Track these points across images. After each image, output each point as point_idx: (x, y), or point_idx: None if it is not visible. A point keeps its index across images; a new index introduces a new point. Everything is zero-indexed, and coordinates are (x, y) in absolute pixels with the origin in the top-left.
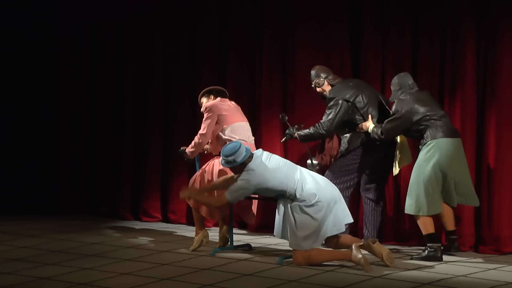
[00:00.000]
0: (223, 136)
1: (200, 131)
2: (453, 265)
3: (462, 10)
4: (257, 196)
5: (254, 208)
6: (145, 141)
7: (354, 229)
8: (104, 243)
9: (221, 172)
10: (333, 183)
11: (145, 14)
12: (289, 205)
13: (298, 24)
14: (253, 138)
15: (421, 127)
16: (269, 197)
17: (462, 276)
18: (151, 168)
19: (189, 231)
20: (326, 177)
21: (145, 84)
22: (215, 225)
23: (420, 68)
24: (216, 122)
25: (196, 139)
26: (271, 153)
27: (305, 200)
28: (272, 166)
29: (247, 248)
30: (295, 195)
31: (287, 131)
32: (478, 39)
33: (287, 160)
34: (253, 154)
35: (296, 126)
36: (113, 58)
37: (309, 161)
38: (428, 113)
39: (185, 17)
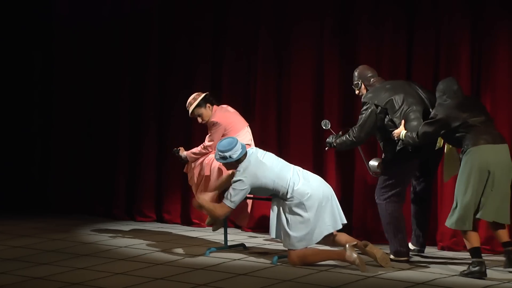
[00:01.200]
0: None
1: (207, 143)
2: (447, 265)
3: (456, 8)
4: (252, 196)
5: (249, 209)
6: (140, 141)
7: (348, 229)
8: (98, 243)
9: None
10: (380, 202)
11: (141, 14)
12: (281, 205)
13: (294, 23)
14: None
15: (460, 133)
16: (262, 197)
17: (456, 275)
18: (146, 168)
19: (183, 231)
20: (376, 193)
21: (141, 84)
22: (211, 225)
23: (415, 69)
24: (224, 134)
25: (200, 148)
26: (265, 151)
27: (296, 200)
28: (266, 164)
29: (241, 247)
30: (287, 194)
31: (327, 139)
32: (472, 39)
33: (281, 159)
34: (247, 151)
35: (340, 133)
36: (110, 58)
37: (372, 162)
38: (468, 119)
39: (181, 16)
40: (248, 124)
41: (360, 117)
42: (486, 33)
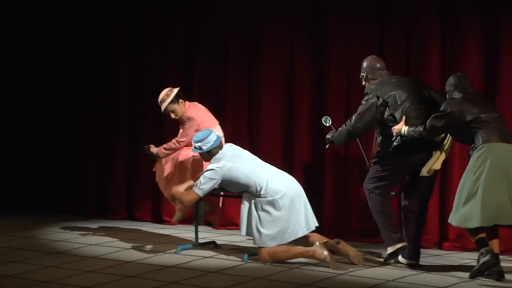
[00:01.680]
0: None
1: (180, 138)
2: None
3: (427, 3)
4: (222, 193)
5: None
6: (111, 139)
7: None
8: (68, 241)
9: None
10: (369, 193)
11: (113, 13)
12: (253, 202)
13: (264, 23)
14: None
15: (472, 129)
16: (234, 194)
17: (427, 272)
18: (117, 166)
19: (154, 229)
20: (364, 184)
21: (112, 82)
22: (182, 222)
23: (386, 64)
24: (197, 130)
25: (173, 144)
26: (241, 148)
27: (269, 197)
28: (240, 159)
29: (212, 245)
30: (260, 191)
31: (327, 135)
32: (443, 34)
33: (256, 157)
34: (223, 145)
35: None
36: (80, 58)
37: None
38: (481, 115)
39: (152, 16)
40: (218, 122)
41: (359, 107)
42: (456, 28)
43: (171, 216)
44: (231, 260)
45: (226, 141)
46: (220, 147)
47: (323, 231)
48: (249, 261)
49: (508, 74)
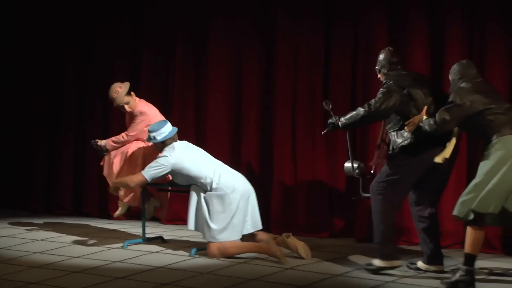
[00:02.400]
0: None
1: (129, 132)
2: (365, 257)
3: (374, 9)
4: (169, 188)
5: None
6: (58, 135)
7: (266, 222)
8: (14, 236)
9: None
10: (375, 196)
11: (59, 8)
12: (202, 196)
13: (211, 20)
14: None
15: (483, 121)
16: (181, 189)
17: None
18: (64, 161)
19: (101, 224)
20: (371, 188)
21: (58, 78)
22: (129, 217)
23: (333, 62)
24: (147, 126)
25: (121, 137)
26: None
27: (220, 191)
28: (194, 150)
29: (159, 240)
30: (211, 184)
31: (329, 120)
32: (390, 31)
33: (209, 154)
34: (177, 138)
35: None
36: (26, 53)
37: (347, 164)
38: (492, 105)
39: (99, 13)
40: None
41: (380, 93)
42: (403, 26)
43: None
44: (178, 255)
45: None
46: (174, 139)
47: (270, 226)
48: (196, 256)
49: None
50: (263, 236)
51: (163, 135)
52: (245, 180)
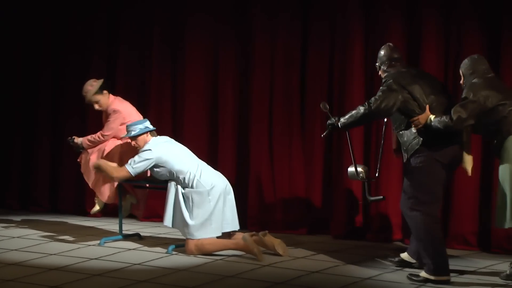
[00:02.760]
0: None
1: (104, 132)
2: (343, 254)
3: (351, 8)
4: (147, 185)
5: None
6: (34, 132)
7: (243, 218)
8: None
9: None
10: (409, 213)
11: (34, 8)
12: (181, 192)
13: (187, 16)
14: None
15: (497, 117)
16: (159, 186)
17: (351, 264)
18: (40, 158)
19: (78, 221)
20: (402, 205)
21: (35, 74)
22: (106, 214)
23: (310, 59)
24: (122, 124)
25: (97, 137)
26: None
27: (201, 187)
28: (176, 145)
29: (136, 237)
30: (193, 180)
31: (328, 121)
32: (366, 31)
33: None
34: (156, 134)
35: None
36: (4, 52)
37: (351, 169)
38: (505, 101)
39: (75, 8)
40: (143, 117)
41: (380, 91)
42: (378, 24)
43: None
44: (156, 252)
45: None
46: (153, 134)
47: (247, 223)
48: (173, 253)
49: (428, 69)
50: (239, 234)
51: (137, 130)
52: (224, 179)
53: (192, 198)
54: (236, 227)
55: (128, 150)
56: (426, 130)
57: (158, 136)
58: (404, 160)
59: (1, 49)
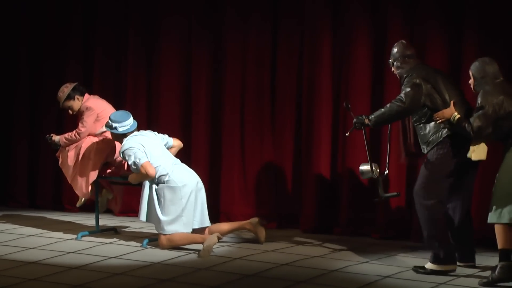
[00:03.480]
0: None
1: (79, 129)
2: (310, 246)
3: (319, 12)
4: (123, 181)
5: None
6: (12, 129)
7: (216, 214)
8: None
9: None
10: (421, 201)
11: (10, 9)
12: (154, 188)
13: (161, 18)
14: None
15: (508, 124)
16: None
17: (318, 256)
18: (18, 154)
19: (56, 216)
20: (415, 194)
21: (13, 74)
22: (83, 210)
23: (279, 59)
24: (96, 120)
25: (73, 135)
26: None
27: (173, 183)
28: (154, 142)
29: (113, 231)
30: (165, 176)
31: (355, 119)
32: (333, 29)
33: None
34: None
35: (362, 115)
36: None
37: (364, 167)
38: None
39: (51, 10)
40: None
41: (405, 88)
42: (346, 22)
43: (72, 203)
44: (131, 246)
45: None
46: (133, 132)
47: (219, 218)
48: (148, 246)
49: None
50: (216, 226)
51: (125, 128)
52: (196, 176)
53: (164, 194)
54: (206, 223)
55: (104, 147)
56: (449, 125)
57: (141, 131)
58: (425, 152)
59: None
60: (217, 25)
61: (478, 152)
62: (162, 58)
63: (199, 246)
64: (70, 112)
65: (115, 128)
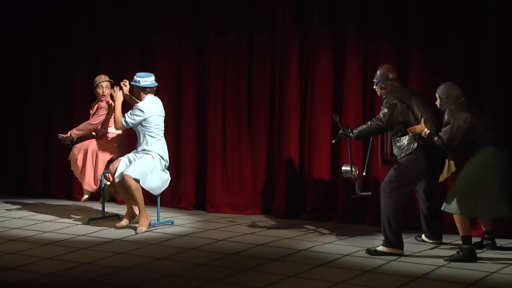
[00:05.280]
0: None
1: (94, 122)
2: (281, 230)
3: (287, 28)
4: None
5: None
6: (28, 130)
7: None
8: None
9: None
10: (386, 194)
11: (25, 20)
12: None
13: (154, 34)
14: None
15: (471, 137)
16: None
17: (288, 238)
18: (34, 151)
19: (67, 204)
20: (382, 187)
21: (27, 81)
22: (90, 199)
23: (255, 71)
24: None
25: (84, 125)
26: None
27: (166, 162)
28: (160, 111)
29: (116, 217)
30: (155, 143)
31: (341, 131)
32: (300, 42)
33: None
34: (155, 92)
35: (348, 126)
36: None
37: (345, 168)
38: (477, 122)
39: (59, 28)
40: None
41: (384, 108)
42: (311, 39)
43: (81, 193)
44: (131, 230)
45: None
46: (152, 92)
47: (206, 206)
48: (148, 230)
49: (351, 76)
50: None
51: (146, 83)
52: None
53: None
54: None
55: (108, 147)
56: (420, 139)
57: (152, 96)
58: (398, 158)
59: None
60: (201, 41)
61: (443, 175)
62: (156, 68)
63: (188, 230)
64: (105, 91)
65: (138, 81)
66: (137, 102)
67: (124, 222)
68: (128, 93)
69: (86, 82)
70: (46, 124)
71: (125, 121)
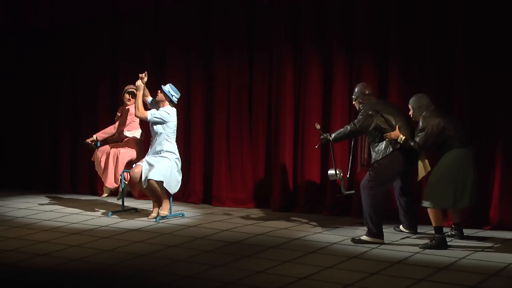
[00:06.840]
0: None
1: (119, 126)
2: (278, 221)
3: (283, 45)
4: None
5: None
6: (58, 135)
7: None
8: (29, 208)
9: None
10: (366, 191)
11: (58, 33)
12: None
13: (167, 48)
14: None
15: (443, 138)
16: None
17: (284, 228)
18: (62, 152)
19: (91, 199)
20: (362, 186)
21: (57, 92)
22: (110, 195)
23: (255, 84)
24: (131, 121)
25: (109, 129)
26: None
27: (180, 162)
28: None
29: (134, 210)
30: (172, 147)
31: (322, 136)
32: (294, 57)
33: None
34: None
35: (329, 132)
36: (33, 67)
37: (331, 171)
38: (448, 125)
39: (86, 40)
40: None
41: (360, 116)
42: (303, 55)
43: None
44: (147, 221)
45: (138, 142)
46: (175, 106)
47: (212, 200)
48: (160, 222)
49: (339, 88)
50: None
51: (175, 100)
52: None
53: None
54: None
55: (127, 150)
56: (396, 144)
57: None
58: (375, 160)
59: (32, 69)
60: (208, 56)
61: (420, 174)
62: (169, 78)
63: (199, 221)
64: (130, 98)
65: (172, 96)
66: (146, 97)
67: (154, 213)
68: (144, 85)
69: (109, 87)
70: (74, 124)
71: (150, 114)
